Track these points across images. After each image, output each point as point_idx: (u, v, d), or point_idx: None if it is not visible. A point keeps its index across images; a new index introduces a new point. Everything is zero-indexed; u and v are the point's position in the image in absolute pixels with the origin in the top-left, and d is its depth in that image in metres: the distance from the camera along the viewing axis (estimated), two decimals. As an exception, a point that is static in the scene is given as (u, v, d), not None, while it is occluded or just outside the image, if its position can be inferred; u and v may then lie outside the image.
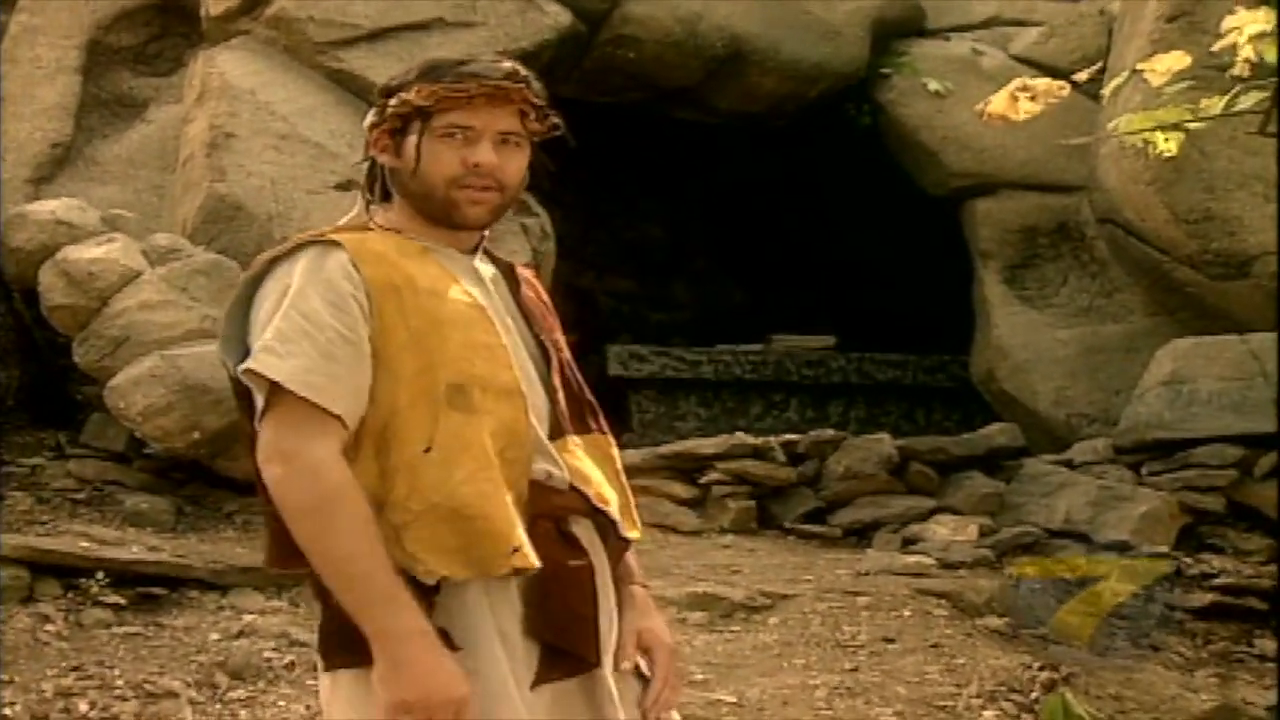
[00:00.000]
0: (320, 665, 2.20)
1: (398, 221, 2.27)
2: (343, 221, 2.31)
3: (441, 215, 2.24)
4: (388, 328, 2.14)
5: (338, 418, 2.09)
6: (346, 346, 2.11)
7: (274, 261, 2.18)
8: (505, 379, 2.19)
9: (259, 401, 2.12)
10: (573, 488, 2.24)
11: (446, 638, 2.09)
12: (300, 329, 2.10)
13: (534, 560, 2.11)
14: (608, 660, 2.23)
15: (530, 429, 2.20)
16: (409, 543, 2.08)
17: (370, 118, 2.29)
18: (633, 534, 2.32)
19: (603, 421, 2.38)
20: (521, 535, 2.11)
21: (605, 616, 2.24)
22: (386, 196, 2.29)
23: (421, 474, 2.10)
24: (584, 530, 2.26)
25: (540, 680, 2.15)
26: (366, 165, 2.31)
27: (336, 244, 2.18)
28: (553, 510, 2.22)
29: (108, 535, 5.81)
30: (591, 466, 2.28)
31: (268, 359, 2.09)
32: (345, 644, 2.10)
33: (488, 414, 2.15)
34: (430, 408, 2.12)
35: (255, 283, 2.19)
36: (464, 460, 2.11)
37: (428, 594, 2.09)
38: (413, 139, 2.21)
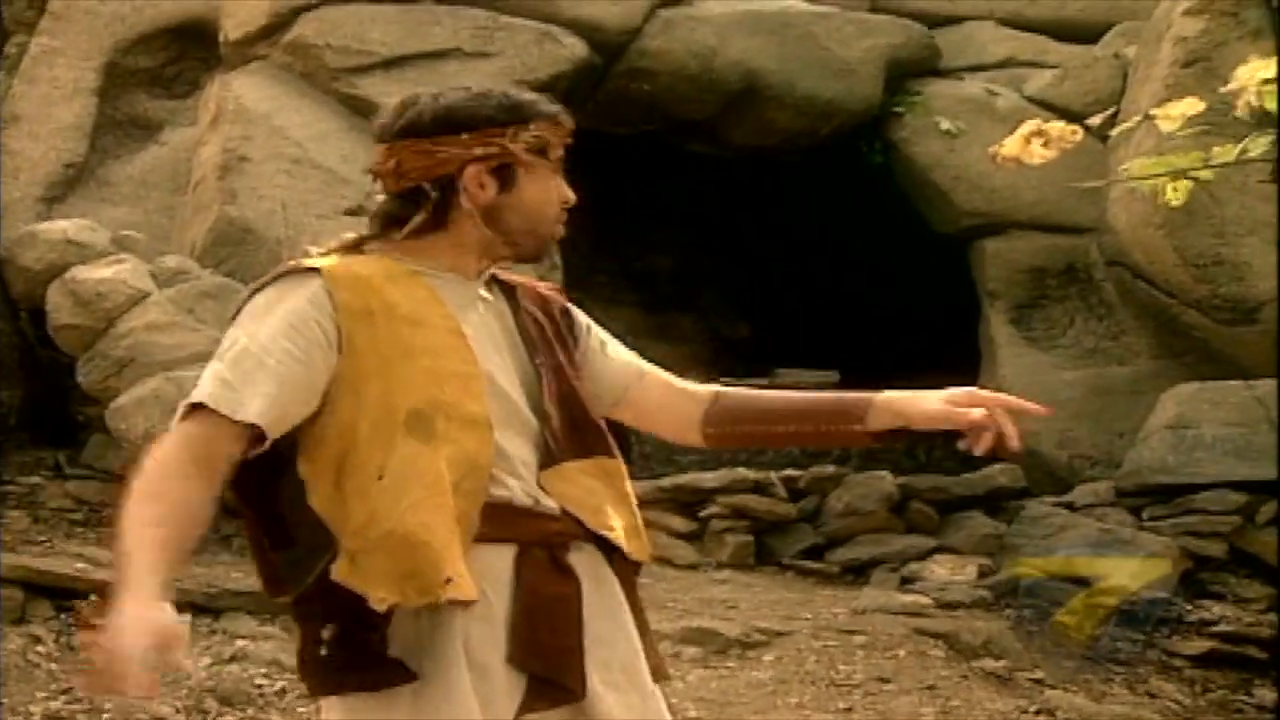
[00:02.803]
0: (309, 691, 2.23)
1: (405, 253, 2.25)
2: (334, 244, 2.31)
3: (533, 250, 2.28)
4: (358, 353, 2.14)
5: (251, 428, 2.08)
6: (295, 365, 2.12)
7: (255, 291, 2.21)
8: (472, 409, 2.18)
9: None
10: (566, 513, 2.23)
11: (404, 668, 2.10)
12: (255, 359, 2.11)
13: (469, 592, 2.09)
14: (609, 681, 2.21)
15: (492, 460, 2.18)
16: (361, 571, 2.09)
17: (453, 150, 2.22)
18: (640, 557, 2.32)
19: (610, 445, 2.35)
20: (459, 566, 2.10)
21: (600, 642, 2.22)
22: (430, 228, 2.24)
23: (375, 501, 2.10)
24: (585, 557, 2.25)
25: (525, 710, 2.14)
26: (391, 194, 2.27)
27: (314, 270, 2.18)
28: (546, 538, 2.21)
29: (102, 557, 5.80)
30: (592, 492, 2.27)
31: (211, 387, 2.09)
32: (333, 669, 2.12)
33: (450, 442, 2.14)
34: (388, 434, 2.12)
35: (237, 311, 2.21)
36: (413, 487, 2.10)
37: (380, 622, 2.09)
38: (529, 176, 2.24)
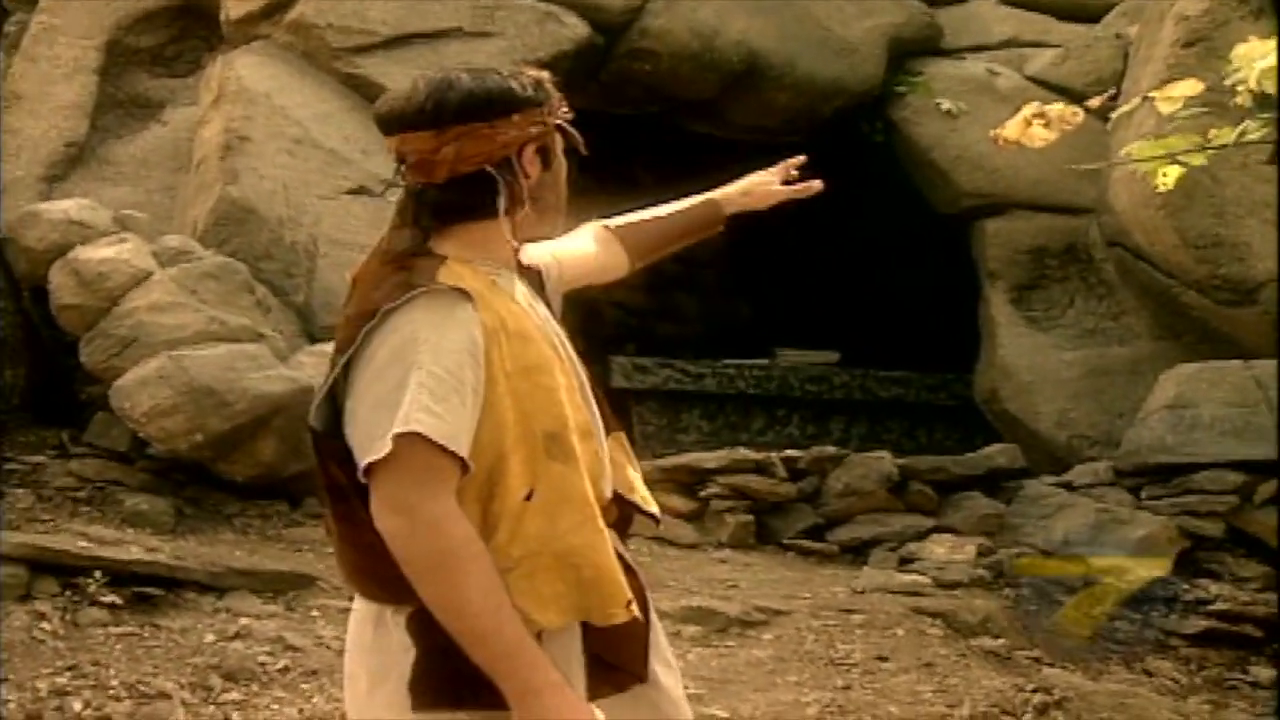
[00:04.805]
0: (411, 703, 2.17)
1: (463, 247, 2.25)
2: (388, 242, 2.26)
3: (556, 224, 2.34)
4: (492, 373, 2.16)
5: (462, 462, 2.10)
6: (475, 397, 2.13)
7: (389, 313, 2.14)
8: (582, 419, 2.24)
9: (363, 453, 2.09)
10: (617, 496, 2.32)
11: None
12: (449, 386, 2.10)
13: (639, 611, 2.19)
14: (658, 664, 2.30)
15: (605, 467, 2.28)
16: (514, 591, 2.11)
17: (511, 132, 2.22)
18: (658, 516, 2.43)
19: (611, 414, 2.41)
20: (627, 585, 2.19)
21: (651, 625, 2.31)
22: (493, 214, 2.23)
23: (524, 521, 2.13)
24: (614, 540, 2.30)
25: (593, 695, 2.20)
26: (431, 188, 2.23)
27: (463, 293, 2.16)
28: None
29: (107, 535, 5.84)
30: (621, 467, 2.36)
31: (428, 419, 2.07)
32: (457, 683, 2.12)
33: (581, 460, 2.20)
34: (530, 455, 2.15)
35: (369, 333, 2.15)
36: (567, 510, 2.15)
37: None
38: (559, 150, 2.30)
